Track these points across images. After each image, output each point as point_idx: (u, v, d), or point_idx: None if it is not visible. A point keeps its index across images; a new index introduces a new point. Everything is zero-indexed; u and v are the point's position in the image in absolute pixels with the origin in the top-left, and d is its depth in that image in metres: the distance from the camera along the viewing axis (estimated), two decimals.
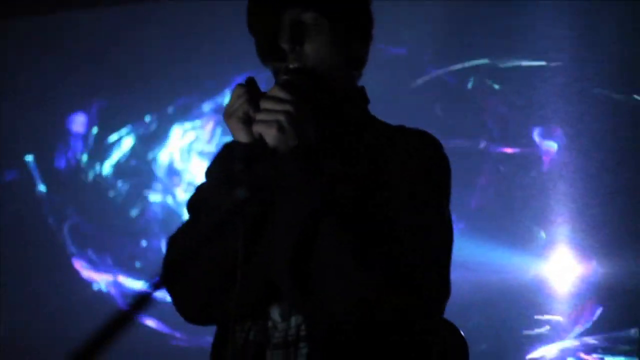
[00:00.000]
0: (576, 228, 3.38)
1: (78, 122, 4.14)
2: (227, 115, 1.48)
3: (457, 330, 1.70)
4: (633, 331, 3.17)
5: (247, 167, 1.37)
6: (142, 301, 1.04)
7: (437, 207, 1.53)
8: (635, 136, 3.28)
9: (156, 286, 1.09)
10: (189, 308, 1.54)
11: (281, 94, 1.45)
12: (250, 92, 1.47)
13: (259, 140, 1.42)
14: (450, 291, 1.54)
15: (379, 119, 1.66)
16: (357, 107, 1.64)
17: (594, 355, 3.23)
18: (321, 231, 1.39)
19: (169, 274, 1.36)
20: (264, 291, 1.47)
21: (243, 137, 1.45)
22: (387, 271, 1.40)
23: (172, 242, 1.56)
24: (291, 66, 1.53)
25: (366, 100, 1.66)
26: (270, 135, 1.41)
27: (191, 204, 1.60)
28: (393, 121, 1.65)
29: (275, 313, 1.49)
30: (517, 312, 3.39)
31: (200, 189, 1.61)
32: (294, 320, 1.47)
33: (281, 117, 1.41)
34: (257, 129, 1.42)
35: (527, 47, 3.45)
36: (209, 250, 1.43)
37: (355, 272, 1.38)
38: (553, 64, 3.40)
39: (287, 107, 1.42)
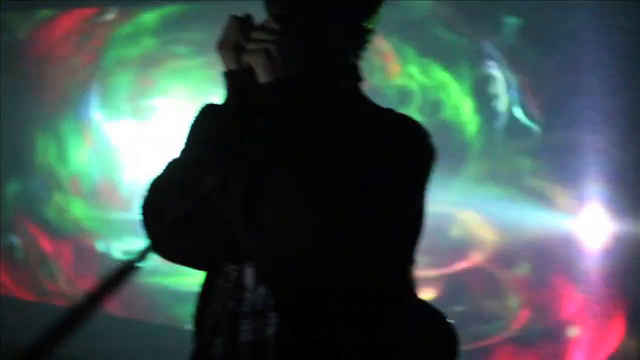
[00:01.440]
0: (608, 187, 3.46)
1: None
2: (219, 44, 1.48)
3: (442, 318, 1.65)
4: None
5: (215, 156, 1.39)
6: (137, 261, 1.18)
7: (407, 193, 1.49)
8: None
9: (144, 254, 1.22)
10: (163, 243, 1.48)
11: (272, 24, 1.44)
12: (244, 23, 1.47)
13: (247, 69, 1.43)
14: (413, 281, 1.54)
15: (369, 99, 1.61)
16: (346, 78, 1.59)
17: None
18: (282, 165, 1.38)
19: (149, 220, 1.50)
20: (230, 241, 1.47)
21: (232, 65, 1.45)
22: (342, 226, 1.36)
23: (153, 190, 1.56)
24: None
25: (358, 77, 1.61)
26: (258, 64, 1.41)
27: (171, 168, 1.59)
28: None
29: (248, 282, 1.49)
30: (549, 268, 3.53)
31: (176, 162, 1.59)
32: (262, 290, 1.47)
33: (270, 47, 1.41)
34: (246, 57, 1.43)
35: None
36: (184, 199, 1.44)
37: (309, 214, 1.34)
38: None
39: (277, 38, 1.42)
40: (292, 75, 1.42)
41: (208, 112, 1.61)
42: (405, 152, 1.50)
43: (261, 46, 1.41)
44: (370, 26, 1.61)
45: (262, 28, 1.44)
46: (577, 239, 3.46)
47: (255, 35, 1.43)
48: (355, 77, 1.62)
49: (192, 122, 1.62)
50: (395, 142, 1.50)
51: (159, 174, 1.57)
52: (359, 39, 1.60)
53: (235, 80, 1.45)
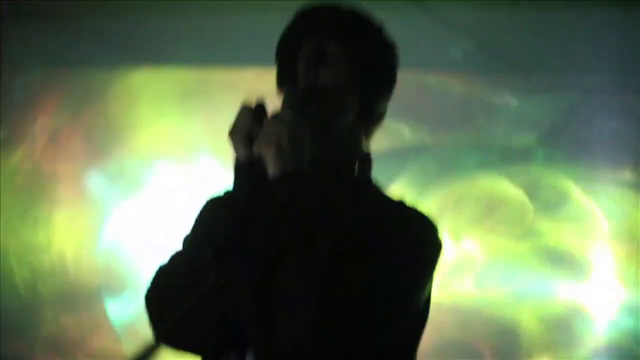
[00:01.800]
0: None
1: None
2: (230, 132, 1.46)
3: None
4: None
5: (218, 257, 1.37)
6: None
7: (415, 288, 1.47)
8: None
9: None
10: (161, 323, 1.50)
11: (286, 115, 1.44)
12: (257, 112, 1.46)
13: (258, 160, 1.41)
14: None
15: (379, 187, 1.61)
16: (356, 166, 1.58)
17: None
18: (287, 261, 1.36)
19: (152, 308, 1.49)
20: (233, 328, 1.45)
21: (243, 155, 1.44)
22: (347, 322, 1.35)
23: (157, 283, 1.55)
24: (302, 88, 1.52)
25: (369, 165, 1.61)
26: (268, 156, 1.39)
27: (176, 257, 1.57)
28: None
29: None
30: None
31: (180, 257, 1.56)
32: None
33: (281, 139, 1.40)
34: (257, 148, 1.41)
35: None
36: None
37: (314, 309, 1.33)
38: None
39: (289, 130, 1.41)
40: (302, 168, 1.41)
41: (213, 206, 1.60)
42: (414, 247, 1.48)
43: (272, 137, 1.40)
44: (382, 108, 1.62)
45: (275, 118, 1.43)
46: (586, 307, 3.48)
47: (267, 125, 1.42)
48: (366, 164, 1.61)
49: (197, 214, 1.61)
50: (405, 236, 1.48)
51: (163, 265, 1.56)
52: (371, 123, 1.61)
53: (244, 171, 1.44)
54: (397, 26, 1.66)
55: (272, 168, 1.39)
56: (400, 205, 1.55)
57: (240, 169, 1.45)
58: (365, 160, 1.61)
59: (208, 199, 1.62)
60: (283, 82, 1.57)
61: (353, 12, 1.59)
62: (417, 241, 1.50)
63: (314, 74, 1.51)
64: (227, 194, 1.54)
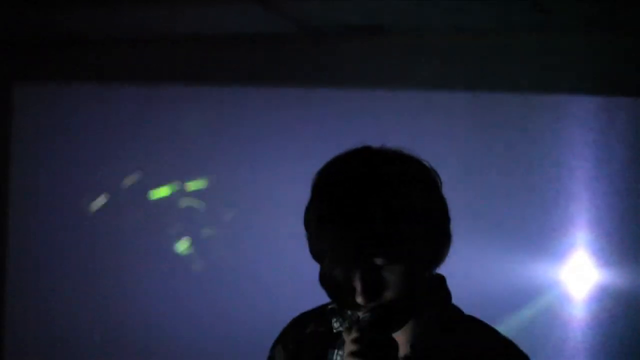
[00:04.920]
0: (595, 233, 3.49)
1: None
2: None
3: None
4: None
5: None
6: None
7: None
8: None
9: None
10: None
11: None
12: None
13: None
14: None
15: (464, 314, 1.62)
16: (437, 309, 1.59)
17: None
18: None
19: None
20: None
21: None
22: None
23: None
24: (364, 316, 1.49)
25: (448, 295, 1.61)
26: None
27: None
28: None
29: None
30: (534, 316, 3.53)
31: None
32: None
33: None
34: None
35: None
36: None
37: None
38: None
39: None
40: None
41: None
42: None
43: None
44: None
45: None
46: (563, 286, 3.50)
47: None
48: (443, 296, 1.62)
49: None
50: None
51: None
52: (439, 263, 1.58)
53: None
54: None
55: None
56: (490, 335, 1.58)
57: None
58: (443, 292, 1.61)
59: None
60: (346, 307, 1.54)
61: (384, 201, 1.45)
62: None
63: (374, 298, 1.47)
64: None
